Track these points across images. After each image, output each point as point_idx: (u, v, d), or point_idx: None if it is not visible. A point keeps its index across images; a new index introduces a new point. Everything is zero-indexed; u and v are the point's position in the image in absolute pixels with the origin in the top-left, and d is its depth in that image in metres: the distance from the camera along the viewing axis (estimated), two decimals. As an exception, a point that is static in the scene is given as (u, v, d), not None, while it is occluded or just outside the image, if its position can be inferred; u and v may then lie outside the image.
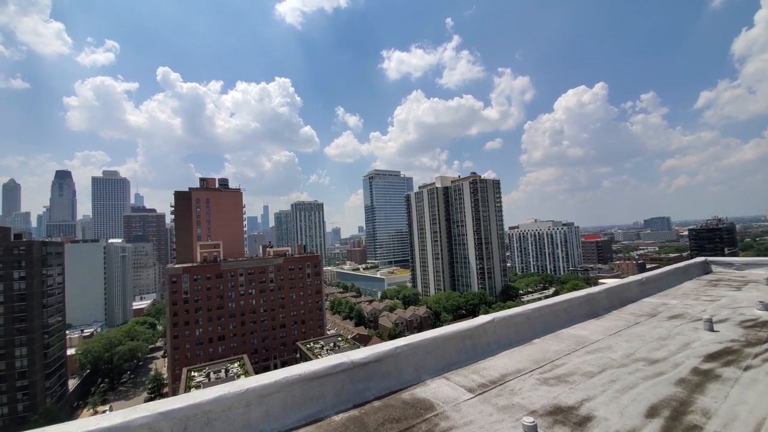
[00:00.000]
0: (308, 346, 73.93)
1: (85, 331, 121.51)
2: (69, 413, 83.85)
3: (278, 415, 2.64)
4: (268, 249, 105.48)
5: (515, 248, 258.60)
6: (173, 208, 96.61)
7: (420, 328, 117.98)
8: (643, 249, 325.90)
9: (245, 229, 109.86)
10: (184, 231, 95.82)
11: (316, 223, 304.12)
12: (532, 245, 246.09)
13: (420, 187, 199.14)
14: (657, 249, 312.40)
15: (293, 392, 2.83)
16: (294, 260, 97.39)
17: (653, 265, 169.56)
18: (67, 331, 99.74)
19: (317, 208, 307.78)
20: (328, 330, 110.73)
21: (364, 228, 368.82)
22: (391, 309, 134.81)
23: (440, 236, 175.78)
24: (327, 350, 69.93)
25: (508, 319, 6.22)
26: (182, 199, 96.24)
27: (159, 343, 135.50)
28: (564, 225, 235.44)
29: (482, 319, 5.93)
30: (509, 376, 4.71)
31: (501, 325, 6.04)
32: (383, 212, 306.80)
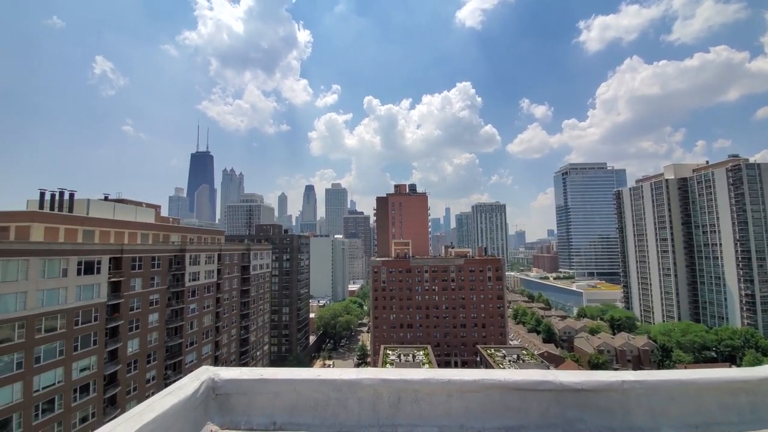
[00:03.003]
0: (489, 351, 71.84)
1: (320, 302, 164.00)
2: (308, 361, 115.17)
3: (478, 416, 2.59)
4: (449, 249, 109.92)
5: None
6: (375, 211, 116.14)
7: (637, 364, 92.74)
8: None
9: (429, 229, 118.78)
10: (383, 230, 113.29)
11: (498, 225, 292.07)
12: None
13: (638, 181, 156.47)
14: None
15: (492, 396, 2.72)
16: (474, 262, 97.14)
17: None
18: (309, 300, 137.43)
19: (498, 209, 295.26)
20: (511, 340, 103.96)
21: (555, 232, 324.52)
22: (593, 331, 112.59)
23: (673, 245, 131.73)
24: (510, 361, 65.77)
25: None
26: (382, 204, 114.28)
27: (365, 320, 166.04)
28: None
29: (772, 370, 3.90)
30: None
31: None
32: (581, 213, 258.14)
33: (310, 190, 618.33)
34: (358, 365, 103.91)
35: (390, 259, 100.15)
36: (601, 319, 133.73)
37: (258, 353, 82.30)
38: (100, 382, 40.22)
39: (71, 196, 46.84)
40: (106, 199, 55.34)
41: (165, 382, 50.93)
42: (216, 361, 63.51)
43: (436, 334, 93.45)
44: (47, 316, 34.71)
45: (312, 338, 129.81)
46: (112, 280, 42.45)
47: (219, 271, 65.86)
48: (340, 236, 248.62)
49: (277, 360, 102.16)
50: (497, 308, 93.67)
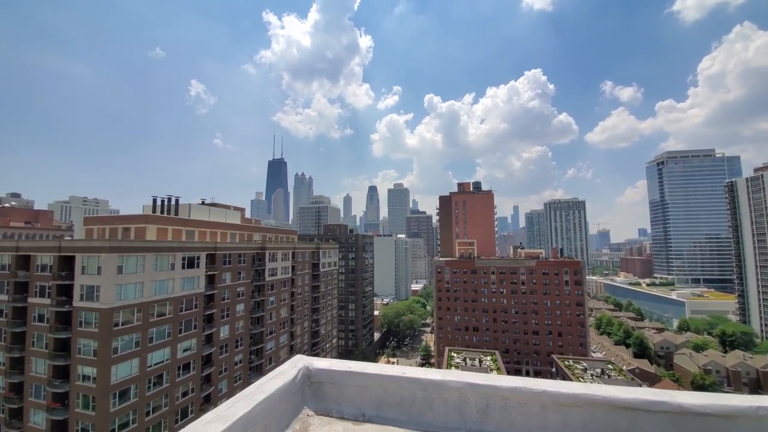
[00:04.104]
0: (566, 363, 65.66)
1: (384, 300, 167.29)
2: (373, 356, 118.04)
3: None
4: (519, 250, 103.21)
5: None
6: (438, 210, 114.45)
7: (755, 389, 76.85)
8: None
9: (496, 229, 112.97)
10: (446, 229, 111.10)
11: (575, 223, 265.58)
12: None
13: (757, 170, 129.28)
14: None
15: (596, 414, 2.46)
16: (548, 264, 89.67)
17: None
18: (374, 298, 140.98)
19: (576, 206, 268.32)
20: (593, 351, 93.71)
21: (649, 231, 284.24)
22: (698, 347, 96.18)
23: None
24: (593, 376, 59.29)
25: None
26: (444, 203, 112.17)
27: (428, 320, 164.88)
28: None
29: None
30: None
31: None
32: (681, 209, 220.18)
33: (372, 190, 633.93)
34: (421, 365, 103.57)
35: (454, 259, 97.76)
36: (709, 333, 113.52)
37: (327, 345, 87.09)
38: (199, 362, 46.46)
39: (176, 201, 54.98)
40: (202, 203, 63.76)
41: (250, 365, 56.84)
42: (291, 350, 68.83)
43: (505, 339, 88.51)
44: (158, 303, 41.24)
45: (376, 335, 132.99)
46: (208, 273, 48.74)
47: (293, 267, 71.30)
48: (403, 236, 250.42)
49: (344, 353, 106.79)
50: (576, 316, 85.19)
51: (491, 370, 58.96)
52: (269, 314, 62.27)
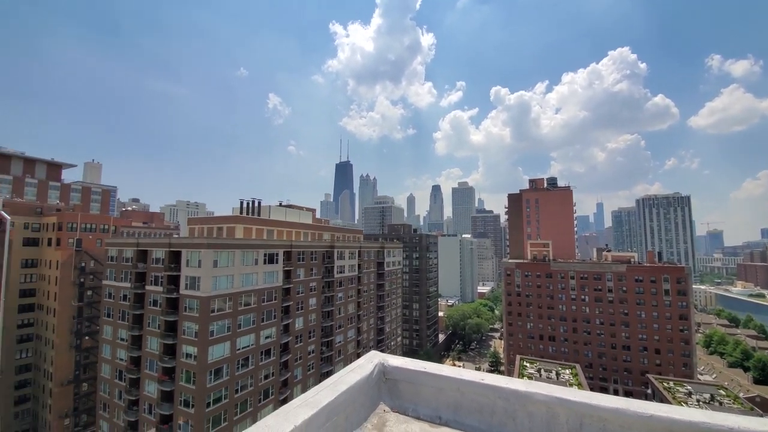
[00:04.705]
0: (666, 384, 56.72)
1: (448, 301, 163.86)
2: (438, 358, 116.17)
3: None
4: (604, 253, 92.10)
5: None
6: (507, 209, 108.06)
7: None
8: None
9: (575, 229, 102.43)
10: (516, 230, 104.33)
11: (678, 223, 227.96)
12: None
13: None
14: None
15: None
16: (642, 270, 78.41)
17: None
18: (438, 299, 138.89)
19: (679, 202, 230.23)
20: (700, 373, 79.45)
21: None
22: None
23: None
24: (700, 402, 50.26)
25: None
26: (514, 201, 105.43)
27: (496, 325, 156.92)
28: None
29: None
30: None
31: None
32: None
33: (436, 189, 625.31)
34: (490, 372, 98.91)
35: (525, 261, 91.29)
36: None
37: (392, 343, 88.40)
38: (277, 349, 50.92)
39: (259, 203, 61.10)
40: (280, 204, 69.83)
41: (321, 356, 60.53)
42: (358, 345, 71.46)
43: (588, 353, 79.81)
44: (245, 294, 46.24)
45: (441, 336, 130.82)
46: (285, 269, 53.18)
47: (359, 266, 73.93)
48: (468, 236, 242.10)
49: (409, 353, 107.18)
50: (679, 331, 73.06)
51: (571, 385, 53.76)
52: (338, 309, 65.50)
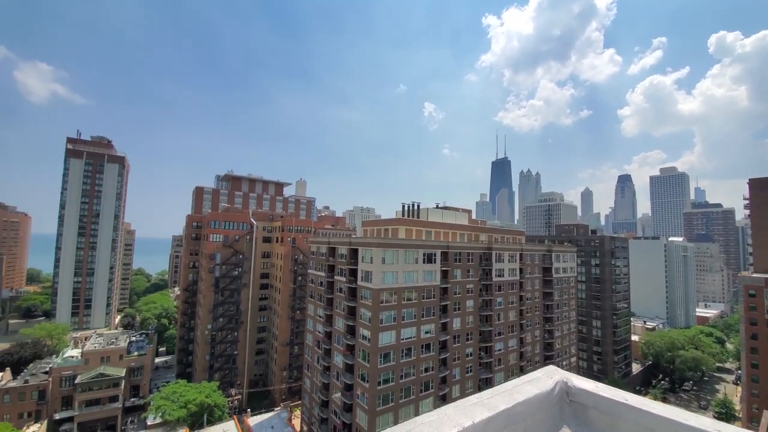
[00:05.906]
0: None
1: (647, 323, 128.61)
2: (631, 392, 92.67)
3: None
4: None
5: None
6: (747, 202, 76.06)
7: None
8: None
9: None
10: (763, 231, 72.02)
11: None
12: None
13: None
14: None
15: None
16: None
17: None
18: (631, 318, 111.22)
19: None
20: None
21: None
22: None
23: None
24: None
25: None
26: (760, 189, 73.12)
27: (728, 365, 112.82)
28: None
29: None
30: None
31: None
32: None
33: (624, 180, 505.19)
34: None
35: (788, 278, 61.55)
36: None
37: (564, 363, 76.96)
38: (436, 345, 53.19)
39: (418, 206, 65.75)
40: (437, 206, 72.95)
41: (480, 361, 59.31)
42: (521, 357, 65.95)
43: None
44: (407, 290, 50.64)
45: (636, 366, 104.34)
46: (442, 269, 55.15)
47: (521, 270, 68.25)
48: (679, 239, 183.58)
49: (588, 378, 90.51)
50: None
51: None
52: (497, 315, 62.47)
